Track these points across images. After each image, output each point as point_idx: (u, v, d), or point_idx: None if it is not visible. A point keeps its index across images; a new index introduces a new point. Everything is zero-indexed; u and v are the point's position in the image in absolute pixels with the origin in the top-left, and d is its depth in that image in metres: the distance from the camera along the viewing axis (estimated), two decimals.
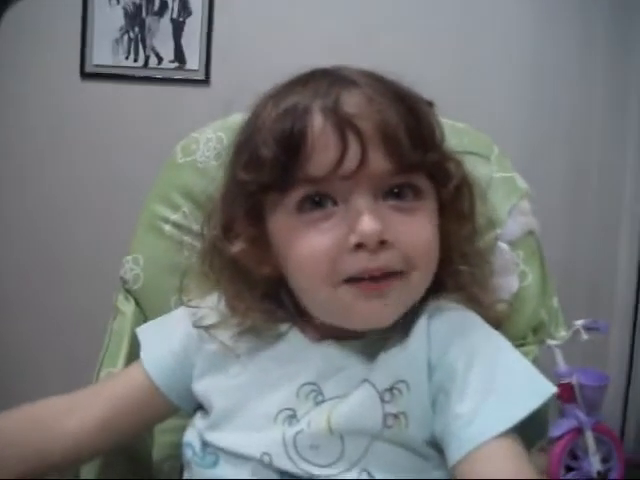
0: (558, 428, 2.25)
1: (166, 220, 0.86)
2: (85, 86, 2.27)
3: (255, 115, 0.64)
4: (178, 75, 2.32)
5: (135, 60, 2.30)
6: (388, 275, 0.59)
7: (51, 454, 0.66)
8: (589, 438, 2.18)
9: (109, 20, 2.25)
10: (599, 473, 2.20)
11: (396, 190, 0.60)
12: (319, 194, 0.60)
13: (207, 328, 0.69)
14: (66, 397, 0.70)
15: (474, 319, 0.65)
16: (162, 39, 2.29)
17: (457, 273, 0.67)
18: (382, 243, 0.58)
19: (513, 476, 0.52)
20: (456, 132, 0.79)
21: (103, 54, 2.28)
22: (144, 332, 0.75)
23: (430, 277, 0.63)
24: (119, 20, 2.26)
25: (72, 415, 0.68)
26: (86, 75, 2.27)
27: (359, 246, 0.58)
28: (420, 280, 0.62)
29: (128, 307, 0.86)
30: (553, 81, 2.27)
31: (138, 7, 2.28)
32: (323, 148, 0.58)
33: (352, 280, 0.59)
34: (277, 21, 2.18)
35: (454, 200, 0.66)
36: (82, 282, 2.26)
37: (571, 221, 2.30)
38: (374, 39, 1.97)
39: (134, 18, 2.26)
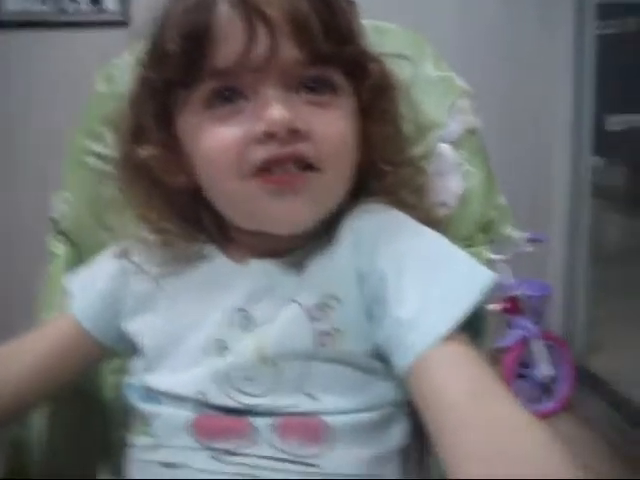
0: (507, 339, 2.34)
1: (89, 152, 0.82)
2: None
3: (163, 12, 0.60)
4: (96, 18, 2.23)
5: (50, 5, 2.19)
6: (301, 169, 0.56)
7: None
8: (537, 346, 2.28)
9: None
10: (549, 378, 2.30)
11: (310, 84, 0.57)
12: (227, 88, 0.56)
13: (128, 256, 0.67)
14: (5, 346, 0.67)
15: (403, 218, 0.62)
16: None
17: (382, 175, 0.64)
18: (294, 132, 0.55)
19: (465, 379, 0.50)
20: (384, 33, 0.77)
21: (15, 0, 2.16)
22: (72, 279, 0.72)
23: (346, 178, 0.61)
24: None
25: (10, 363, 0.66)
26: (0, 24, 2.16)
27: (269, 136, 0.54)
28: (336, 177, 0.59)
29: (61, 248, 0.82)
30: None
31: None
32: (230, 38, 0.54)
33: (262, 174, 0.56)
34: None
35: (374, 100, 0.63)
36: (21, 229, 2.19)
37: (506, 133, 2.32)
38: None
39: None
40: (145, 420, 0.63)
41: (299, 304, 0.58)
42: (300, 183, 0.56)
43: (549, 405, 2.11)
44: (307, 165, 0.57)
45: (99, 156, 0.81)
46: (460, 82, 0.78)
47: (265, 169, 0.56)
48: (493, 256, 0.74)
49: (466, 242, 0.73)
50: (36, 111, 2.18)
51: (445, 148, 0.75)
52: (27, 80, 2.19)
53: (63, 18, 2.19)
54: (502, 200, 0.76)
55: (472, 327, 0.54)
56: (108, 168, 0.77)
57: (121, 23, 2.17)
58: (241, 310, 0.61)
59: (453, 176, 0.74)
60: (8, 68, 2.18)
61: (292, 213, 0.57)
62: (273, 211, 0.57)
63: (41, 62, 2.17)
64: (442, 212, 0.72)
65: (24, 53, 2.17)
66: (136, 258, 0.66)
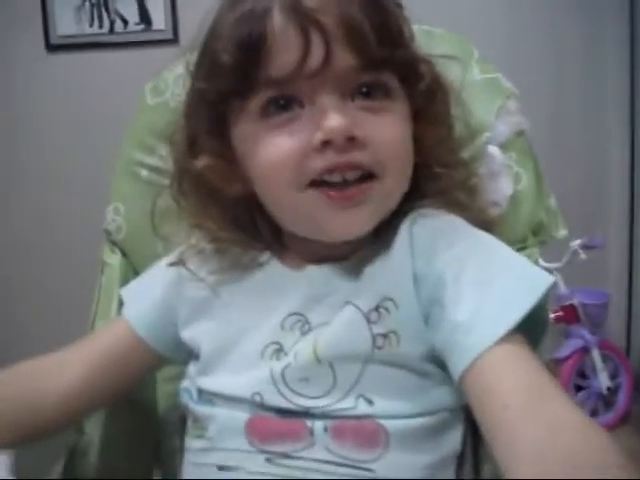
0: (565, 349, 2.27)
1: (142, 164, 0.84)
2: (52, 58, 2.22)
3: (214, 23, 0.60)
4: (146, 37, 2.27)
5: (100, 27, 2.25)
6: (360, 180, 0.56)
7: (44, 409, 0.66)
8: (596, 356, 2.21)
9: None
10: (608, 389, 2.23)
11: (365, 90, 0.57)
12: (283, 96, 0.56)
13: (185, 264, 0.67)
14: (58, 352, 0.69)
15: (459, 223, 0.62)
16: (125, 1, 2.23)
17: (436, 177, 0.64)
18: (351, 140, 0.55)
19: (521, 381, 0.49)
20: (432, 37, 0.77)
21: (66, 24, 2.22)
22: (127, 289, 0.74)
23: (405, 182, 0.61)
24: None
25: (62, 370, 0.67)
26: (52, 47, 2.22)
27: (326, 144, 0.54)
28: (394, 184, 0.59)
29: (114, 259, 0.84)
30: None
31: None
32: (284, 47, 0.54)
33: (320, 184, 0.56)
34: None
35: (426, 103, 0.62)
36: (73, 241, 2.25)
37: (560, 136, 2.27)
38: None
39: None
40: (200, 423, 0.63)
41: (356, 306, 0.58)
42: (361, 196, 0.57)
43: (608, 417, 2.05)
44: (366, 173, 0.57)
45: (151, 168, 0.83)
46: (506, 84, 0.77)
47: (323, 180, 0.56)
48: (545, 264, 0.73)
49: (519, 244, 0.73)
50: (90, 133, 2.23)
51: (494, 150, 0.74)
52: (79, 100, 2.24)
53: (113, 39, 2.24)
54: (552, 202, 0.75)
55: (532, 334, 0.53)
56: (162, 180, 0.78)
57: (170, 41, 2.21)
58: (298, 314, 0.61)
59: (503, 178, 0.74)
60: (61, 89, 2.24)
61: (352, 225, 0.58)
62: (333, 224, 0.57)
63: (94, 82, 2.22)
64: (494, 212, 0.72)
65: (77, 75, 2.22)
66: (192, 266, 0.67)
